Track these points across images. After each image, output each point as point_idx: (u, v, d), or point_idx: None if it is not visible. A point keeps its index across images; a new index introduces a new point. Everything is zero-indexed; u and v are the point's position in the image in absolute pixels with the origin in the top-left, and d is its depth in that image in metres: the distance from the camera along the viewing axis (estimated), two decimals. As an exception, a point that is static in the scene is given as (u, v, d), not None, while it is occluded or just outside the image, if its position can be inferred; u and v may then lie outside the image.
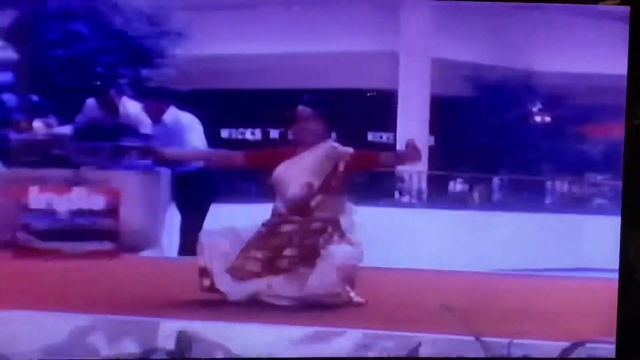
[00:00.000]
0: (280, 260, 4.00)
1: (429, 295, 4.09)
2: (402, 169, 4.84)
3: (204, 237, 4.11)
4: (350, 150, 4.12)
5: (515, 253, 4.51)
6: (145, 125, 4.80)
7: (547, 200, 4.97)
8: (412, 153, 3.98)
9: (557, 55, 4.45)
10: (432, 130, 4.84)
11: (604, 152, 4.46)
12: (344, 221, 4.08)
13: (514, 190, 5.03)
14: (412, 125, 4.77)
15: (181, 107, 4.65)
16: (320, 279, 3.95)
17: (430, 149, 4.80)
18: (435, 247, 4.42)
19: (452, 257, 4.35)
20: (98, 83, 4.81)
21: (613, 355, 3.67)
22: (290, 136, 4.26)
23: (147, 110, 4.72)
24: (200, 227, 4.38)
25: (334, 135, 4.17)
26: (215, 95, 4.69)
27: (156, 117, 4.72)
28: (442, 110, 4.81)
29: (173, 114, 4.71)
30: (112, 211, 4.53)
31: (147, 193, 4.72)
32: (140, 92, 4.77)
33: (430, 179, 4.97)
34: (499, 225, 4.62)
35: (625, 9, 3.78)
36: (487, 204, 4.97)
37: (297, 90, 4.36)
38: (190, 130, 4.63)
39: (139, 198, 4.66)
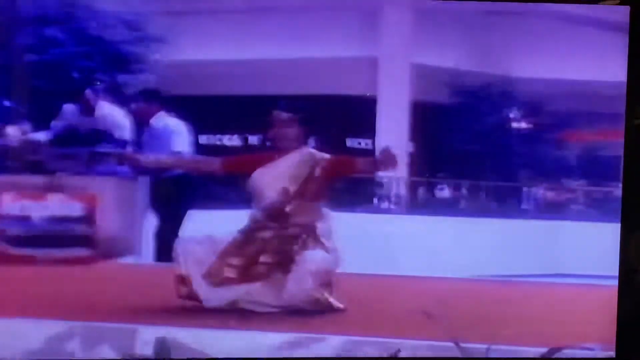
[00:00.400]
0: (256, 266, 4.03)
1: (409, 301, 4.13)
2: (381, 175, 4.88)
3: (180, 243, 4.13)
4: (326, 156, 4.15)
5: (495, 259, 4.57)
6: (124, 130, 4.83)
7: (526, 206, 5.03)
8: (387, 160, 4.01)
9: (539, 61, 4.52)
10: (412, 136, 4.90)
11: (588, 157, 4.58)
12: (320, 227, 4.11)
13: (495, 196, 5.10)
14: (392, 131, 4.82)
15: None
16: (297, 285, 3.97)
17: (410, 155, 4.88)
18: (414, 253, 4.47)
19: (432, 263, 4.40)
20: (75, 88, 4.84)
21: (613, 355, 3.71)
22: (267, 142, 4.29)
23: (135, 113, 4.77)
24: (177, 233, 4.41)
25: (312, 141, 4.20)
26: (193, 100, 4.71)
27: (144, 121, 4.77)
28: (422, 117, 4.86)
29: (162, 119, 4.75)
30: (88, 217, 4.56)
31: (125, 199, 4.76)
32: (119, 98, 4.84)
33: (410, 184, 5.02)
34: (479, 231, 4.68)
35: (625, 9, 3.81)
36: (468, 210, 5.04)
37: (275, 96, 4.37)
38: (177, 135, 4.68)
39: (116, 204, 4.69)
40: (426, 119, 4.83)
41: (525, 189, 5.05)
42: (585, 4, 4.07)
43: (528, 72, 4.59)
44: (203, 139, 4.90)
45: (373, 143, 4.86)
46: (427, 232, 4.66)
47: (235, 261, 4.05)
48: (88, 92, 4.84)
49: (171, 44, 4.66)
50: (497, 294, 4.41)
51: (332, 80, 4.79)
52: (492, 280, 4.62)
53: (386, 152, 4.01)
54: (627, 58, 3.71)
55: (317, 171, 4.13)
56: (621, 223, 3.72)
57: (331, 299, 4.03)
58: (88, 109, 4.82)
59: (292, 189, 4.11)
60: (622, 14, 3.80)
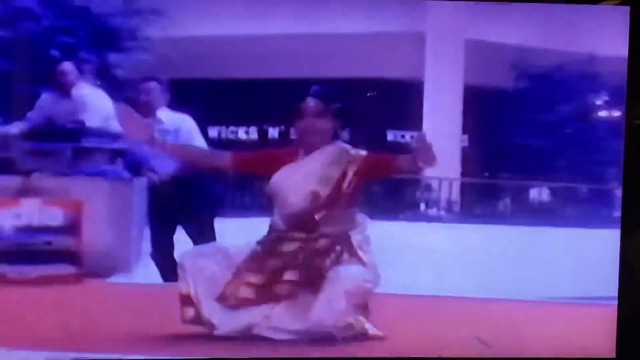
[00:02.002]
0: (279, 285, 4.22)
1: (460, 327, 4.41)
2: (429, 176, 5.16)
3: (186, 258, 4.31)
4: (362, 152, 4.33)
5: (569, 278, 4.85)
6: (111, 120, 5.06)
7: (615, 213, 5.13)
8: (422, 152, 4.12)
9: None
10: (466, 127, 5.21)
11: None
12: (355, 238, 4.29)
13: (571, 201, 5.34)
14: (442, 121, 5.09)
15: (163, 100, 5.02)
16: (328, 307, 4.15)
17: (464, 150, 5.18)
18: (467, 271, 4.76)
19: (488, 282, 4.70)
20: (54, 71, 5.12)
21: (613, 356, 4.27)
22: (292, 136, 4.46)
23: (131, 102, 5.00)
24: (181, 246, 4.73)
25: (345, 134, 4.42)
26: (200, 85, 5.04)
27: (141, 113, 5.01)
28: (478, 104, 5.13)
29: (166, 113, 5.05)
30: (72, 227, 4.83)
31: (116, 205, 5.04)
32: (108, 82, 5.15)
33: (464, 187, 5.33)
34: (548, 244, 4.95)
35: (625, 9, 4.40)
36: (534, 218, 5.30)
37: (301, 80, 4.55)
38: (185, 132, 4.99)
39: (106, 211, 4.97)
40: (484, 107, 5.08)
41: (610, 191, 5.21)
42: (585, 4, 4.60)
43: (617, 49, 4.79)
44: (213, 132, 5.26)
45: (424, 137, 5.10)
46: (483, 244, 4.92)
47: (253, 279, 4.25)
48: (65, 66, 5.13)
49: (172, 17, 4.89)
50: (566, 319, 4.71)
51: (370, 60, 5.01)
52: (562, 302, 4.91)
53: (421, 140, 4.14)
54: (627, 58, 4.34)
55: (352, 171, 4.30)
56: (621, 223, 4.32)
57: (367, 324, 4.23)
58: (63, 89, 5.13)
59: (323, 192, 4.29)
60: (622, 14, 4.36)
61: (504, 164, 5.32)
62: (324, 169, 4.31)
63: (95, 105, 5.19)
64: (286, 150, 4.43)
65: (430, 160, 4.11)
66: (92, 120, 5.17)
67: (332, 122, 4.33)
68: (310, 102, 4.32)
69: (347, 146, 4.37)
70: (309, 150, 4.36)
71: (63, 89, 5.14)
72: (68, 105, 5.15)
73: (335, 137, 4.35)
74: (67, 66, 5.14)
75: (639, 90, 4.36)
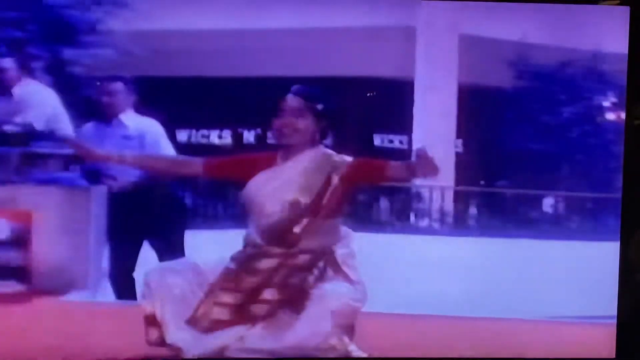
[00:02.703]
0: (256, 305, 4.30)
1: (454, 349, 4.59)
2: (419, 184, 5.28)
3: (152, 274, 4.38)
4: (347, 158, 4.39)
5: (572, 295, 4.94)
6: (61, 122, 5.21)
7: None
8: (424, 165, 4.19)
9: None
10: (461, 131, 5.28)
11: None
12: (339, 252, 4.36)
13: (575, 211, 5.46)
14: (434, 124, 5.21)
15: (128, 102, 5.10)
16: (311, 327, 4.23)
17: (458, 156, 5.25)
18: (462, 287, 4.84)
19: (486, 300, 4.84)
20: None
21: (613, 355, 4.54)
22: (269, 140, 4.55)
23: (99, 108, 5.16)
24: (144, 261, 4.87)
25: (328, 138, 4.47)
26: (168, 85, 5.06)
27: (108, 118, 5.18)
28: (474, 105, 5.18)
29: (131, 117, 5.15)
30: (19, 240, 4.89)
31: (72, 216, 5.09)
32: (64, 81, 5.22)
33: (458, 196, 5.43)
34: (551, 257, 5.09)
35: (625, 9, 4.67)
36: (536, 230, 5.41)
37: (280, 79, 4.62)
38: (151, 135, 5.10)
39: (59, 223, 5.04)
40: (480, 109, 5.14)
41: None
42: (585, 4, 4.87)
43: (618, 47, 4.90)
44: (182, 136, 5.33)
45: (409, 141, 5.23)
46: (479, 258, 5.01)
47: (228, 298, 4.32)
48: (3, 62, 5.19)
49: (136, 9, 4.95)
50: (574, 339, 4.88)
51: (355, 57, 5.10)
52: (569, 322, 5.04)
53: (422, 154, 4.21)
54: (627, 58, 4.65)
55: (336, 178, 4.36)
56: (621, 223, 4.60)
57: (351, 346, 4.32)
58: (3, 87, 5.18)
59: (303, 201, 4.36)
60: (622, 14, 4.65)
61: (501, 171, 5.43)
62: (305, 176, 4.37)
63: (42, 104, 5.24)
64: (263, 155, 4.49)
65: (433, 172, 4.19)
66: (39, 122, 5.20)
67: (314, 124, 4.40)
68: (291, 100, 4.39)
69: (331, 151, 4.43)
70: (288, 155, 4.41)
71: (2, 87, 5.20)
72: (8, 105, 5.19)
73: (317, 141, 4.40)
74: (6, 62, 5.20)
75: (639, 91, 4.65)
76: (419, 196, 5.41)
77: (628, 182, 4.64)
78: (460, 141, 5.27)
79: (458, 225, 5.46)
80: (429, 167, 4.16)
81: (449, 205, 5.44)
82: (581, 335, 4.76)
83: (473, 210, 5.50)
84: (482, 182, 5.47)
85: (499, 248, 5.23)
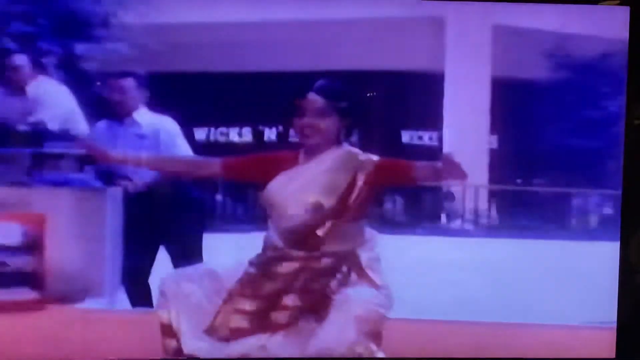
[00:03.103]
0: (277, 312, 4.37)
1: (486, 355, 4.68)
2: (450, 182, 5.28)
3: (169, 283, 4.46)
4: (373, 157, 4.43)
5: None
6: (77, 121, 5.28)
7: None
8: (450, 171, 4.28)
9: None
10: (495, 127, 5.29)
11: None
12: (364, 256, 4.43)
13: (619, 211, 5.45)
14: (466, 120, 5.20)
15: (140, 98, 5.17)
16: (336, 334, 4.28)
17: (492, 153, 5.28)
18: (496, 292, 4.93)
19: (523, 305, 4.89)
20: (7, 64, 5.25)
21: (613, 356, 4.68)
22: (291, 138, 4.55)
23: (113, 106, 5.24)
24: (161, 267, 4.94)
25: (354, 136, 4.51)
26: (184, 80, 5.14)
27: (116, 113, 5.25)
28: (509, 99, 5.22)
29: (144, 115, 5.23)
30: (32, 245, 4.97)
31: (85, 220, 5.17)
32: (76, 77, 5.26)
33: (492, 195, 5.45)
34: (592, 260, 5.03)
35: (625, 9, 4.83)
36: (576, 231, 5.44)
37: (302, 74, 4.77)
38: (167, 134, 5.17)
39: (73, 226, 5.12)
40: (515, 103, 5.20)
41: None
42: (585, 4, 5.01)
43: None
44: (200, 135, 5.38)
45: (440, 137, 5.22)
46: (515, 262, 5.10)
47: (247, 306, 4.39)
48: (17, 59, 5.26)
49: (150, 1, 5.01)
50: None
51: (381, 50, 5.12)
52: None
53: (449, 160, 4.29)
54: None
55: (361, 179, 4.42)
56: (621, 224, 4.78)
57: (379, 354, 4.37)
58: (17, 86, 5.25)
59: (327, 203, 4.42)
60: (622, 14, 4.81)
61: (539, 169, 5.44)
62: (329, 176, 4.43)
63: (56, 103, 5.32)
64: (284, 154, 4.55)
65: (460, 177, 4.29)
66: (52, 121, 5.30)
67: (337, 121, 4.45)
68: (313, 99, 4.43)
69: (356, 150, 4.48)
70: (310, 155, 4.48)
71: (16, 86, 5.27)
72: (22, 104, 5.27)
73: (341, 139, 4.46)
74: (20, 60, 5.27)
75: (639, 90, 4.80)
76: (450, 196, 5.42)
77: (628, 182, 4.81)
78: (494, 137, 5.30)
79: (492, 226, 5.50)
80: (456, 172, 4.25)
81: (483, 205, 5.47)
82: (581, 336, 4.89)
83: (508, 210, 5.53)
84: (518, 181, 5.49)
85: (536, 250, 5.25)
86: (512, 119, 5.27)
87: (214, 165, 4.58)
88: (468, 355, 4.75)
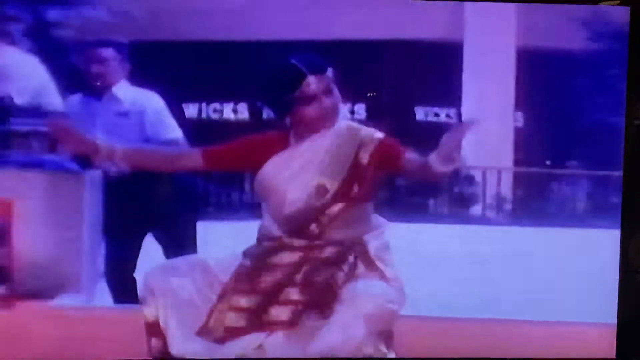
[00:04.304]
0: (277, 308, 4.61)
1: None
2: (471, 165, 5.56)
3: (153, 276, 4.69)
4: (378, 134, 4.64)
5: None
6: (49, 95, 5.48)
7: None
8: (447, 148, 4.35)
9: None
10: (521, 102, 5.54)
11: None
12: (373, 245, 4.66)
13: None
14: (488, 95, 5.46)
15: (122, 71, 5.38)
16: (341, 333, 4.48)
17: (518, 132, 5.52)
18: (522, 286, 5.20)
19: (551, 301, 5.22)
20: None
21: (613, 356, 5.06)
22: (292, 116, 4.63)
23: (90, 79, 5.46)
24: (145, 259, 5.21)
25: (361, 110, 4.88)
26: (171, 50, 5.40)
27: (99, 91, 5.48)
28: (536, 72, 5.47)
29: (126, 90, 5.46)
30: None
31: (61, 206, 5.38)
32: (48, 47, 5.45)
33: (518, 179, 5.70)
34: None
35: (625, 9, 5.21)
36: (612, 219, 5.39)
37: (305, 42, 4.98)
38: (155, 114, 5.40)
39: (46, 213, 5.33)
40: (544, 77, 5.45)
41: None
42: (585, 4, 5.35)
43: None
44: (191, 112, 5.62)
45: (458, 114, 5.49)
46: (543, 253, 5.34)
47: (243, 302, 4.63)
48: None
49: None
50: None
51: (391, 17, 5.26)
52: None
53: (447, 146, 4.38)
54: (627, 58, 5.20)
55: (365, 157, 4.64)
56: (621, 224, 5.14)
57: (391, 354, 4.62)
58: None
59: (330, 185, 4.65)
60: (622, 14, 5.17)
61: (570, 149, 5.68)
62: (330, 155, 4.65)
63: (24, 76, 5.47)
64: (272, 136, 4.77)
65: (450, 161, 4.39)
66: (20, 96, 5.45)
67: (338, 96, 4.64)
68: (310, 82, 4.62)
69: (356, 125, 4.69)
70: (304, 134, 4.69)
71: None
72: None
73: (340, 114, 4.67)
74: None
75: (639, 90, 5.20)
76: (470, 179, 5.66)
77: (628, 182, 5.21)
78: (520, 114, 5.55)
79: (518, 213, 5.72)
80: (452, 151, 4.33)
81: (507, 190, 5.72)
82: (581, 335, 5.23)
83: (536, 195, 5.75)
84: (547, 163, 5.72)
85: (568, 239, 5.51)
86: (540, 93, 5.51)
87: (194, 157, 4.78)
88: (467, 355, 5.08)
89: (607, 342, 5.14)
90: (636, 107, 5.27)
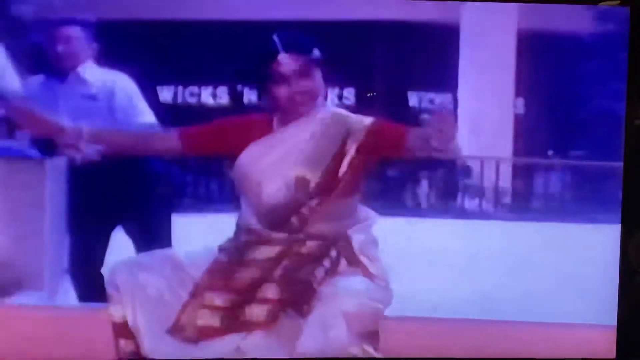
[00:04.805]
0: (254, 306, 4.66)
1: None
2: (467, 154, 5.50)
3: (119, 272, 4.76)
4: (367, 120, 4.68)
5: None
6: (11, 77, 5.35)
7: None
8: (438, 128, 4.41)
9: None
10: (521, 87, 5.54)
11: None
12: (357, 239, 4.71)
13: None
14: (485, 79, 5.45)
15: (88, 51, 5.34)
16: (322, 333, 4.56)
17: (518, 119, 5.53)
18: (521, 284, 5.22)
19: (552, 301, 5.24)
20: None
21: (613, 356, 5.18)
22: (268, 97, 4.71)
23: (53, 60, 5.42)
24: (113, 253, 5.20)
25: (351, 99, 4.91)
26: (139, 28, 5.33)
27: (63, 72, 5.45)
28: (538, 56, 5.47)
29: (93, 71, 5.42)
30: None
31: (20, 197, 5.34)
32: (7, 25, 5.36)
33: (517, 170, 5.69)
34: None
35: (625, 9, 5.34)
36: (618, 212, 5.47)
37: (285, 22, 4.91)
38: (125, 97, 5.36)
39: (3, 205, 5.29)
40: (547, 60, 5.44)
41: None
42: (585, 4, 5.45)
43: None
44: (166, 96, 5.60)
45: (455, 99, 5.46)
46: (544, 249, 5.35)
47: (218, 300, 4.68)
48: None
49: None
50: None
51: None
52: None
53: (440, 114, 4.56)
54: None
55: (352, 146, 4.67)
56: (621, 223, 5.27)
57: (378, 356, 4.68)
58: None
59: (312, 177, 4.69)
60: (622, 14, 5.31)
61: (574, 138, 5.64)
62: (313, 144, 4.70)
63: None
64: (255, 119, 4.82)
65: (446, 140, 4.45)
66: None
67: (321, 78, 4.69)
68: (287, 59, 4.67)
69: (344, 111, 4.75)
70: (288, 119, 4.73)
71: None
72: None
73: (325, 100, 4.74)
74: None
75: (639, 91, 5.33)
76: (466, 170, 5.67)
77: (628, 182, 5.33)
78: (520, 100, 5.55)
79: (518, 207, 5.73)
80: (443, 130, 4.40)
81: (506, 182, 5.72)
82: (581, 335, 5.31)
83: (537, 188, 5.78)
84: (549, 152, 5.69)
85: (571, 234, 5.51)
86: (542, 78, 5.51)
87: (170, 139, 4.84)
88: (466, 355, 5.17)
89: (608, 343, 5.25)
90: (636, 107, 5.38)
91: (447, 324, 5.19)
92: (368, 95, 5.16)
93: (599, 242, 5.31)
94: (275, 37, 4.69)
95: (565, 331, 5.27)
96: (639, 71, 5.34)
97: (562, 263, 5.29)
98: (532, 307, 5.25)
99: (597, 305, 5.24)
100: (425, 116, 5.22)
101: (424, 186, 5.50)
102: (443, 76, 5.45)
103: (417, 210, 5.46)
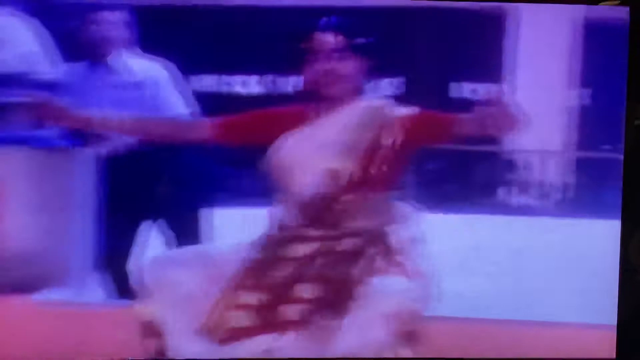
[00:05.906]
0: (287, 306, 4.82)
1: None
2: (514, 148, 5.53)
3: (148, 268, 5.00)
4: (404, 110, 4.84)
5: None
6: (43, 64, 5.46)
7: None
8: (496, 115, 4.65)
9: None
10: (575, 78, 5.53)
11: None
12: (395, 236, 4.87)
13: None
14: (535, 69, 5.49)
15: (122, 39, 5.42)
16: (359, 334, 4.72)
17: (570, 112, 5.53)
18: (571, 285, 5.36)
19: (606, 303, 5.35)
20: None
21: (613, 356, 5.30)
22: (302, 87, 4.90)
23: (86, 47, 5.50)
24: (141, 249, 5.33)
25: (387, 85, 4.94)
26: (179, 16, 5.42)
27: (97, 60, 5.52)
28: (593, 43, 5.51)
29: (129, 59, 5.52)
30: None
31: (47, 187, 5.45)
32: (40, 9, 5.45)
33: (568, 164, 5.65)
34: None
35: (625, 9, 5.45)
36: None
37: (320, 8, 5.02)
38: (159, 86, 5.45)
39: (30, 196, 5.41)
40: (603, 48, 5.49)
41: None
42: (585, 4, 5.54)
43: None
44: (198, 85, 5.54)
45: (500, 91, 5.40)
46: (598, 250, 5.42)
47: (252, 298, 4.83)
48: None
49: None
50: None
51: None
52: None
53: (495, 103, 4.70)
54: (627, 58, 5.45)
55: (389, 138, 4.81)
56: (621, 223, 5.39)
57: (415, 358, 4.84)
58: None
59: (344, 170, 4.82)
60: (622, 14, 5.41)
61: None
62: (347, 136, 4.81)
63: (11, 41, 5.50)
64: (290, 110, 4.96)
65: (509, 123, 4.71)
66: (6, 63, 5.48)
67: (358, 66, 4.83)
68: (325, 37, 4.82)
69: (380, 102, 4.89)
70: (324, 109, 4.87)
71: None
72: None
73: (362, 89, 4.87)
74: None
75: (639, 90, 5.46)
76: (511, 164, 5.65)
77: (628, 182, 5.47)
78: (573, 92, 5.53)
79: (569, 204, 5.67)
80: (502, 117, 4.64)
81: (557, 177, 5.70)
82: (581, 335, 5.44)
83: (590, 182, 5.66)
84: (605, 147, 5.62)
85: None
86: (598, 68, 5.54)
87: (202, 127, 5.03)
88: (465, 355, 5.28)
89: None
90: (636, 107, 5.53)
91: (486, 325, 5.31)
92: (410, 86, 5.22)
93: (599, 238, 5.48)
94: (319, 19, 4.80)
95: (565, 331, 5.42)
96: (639, 71, 5.48)
97: (564, 260, 5.44)
98: (533, 307, 5.40)
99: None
100: (474, 106, 5.14)
101: (468, 182, 5.49)
102: (488, 65, 5.49)
103: (458, 206, 5.42)
